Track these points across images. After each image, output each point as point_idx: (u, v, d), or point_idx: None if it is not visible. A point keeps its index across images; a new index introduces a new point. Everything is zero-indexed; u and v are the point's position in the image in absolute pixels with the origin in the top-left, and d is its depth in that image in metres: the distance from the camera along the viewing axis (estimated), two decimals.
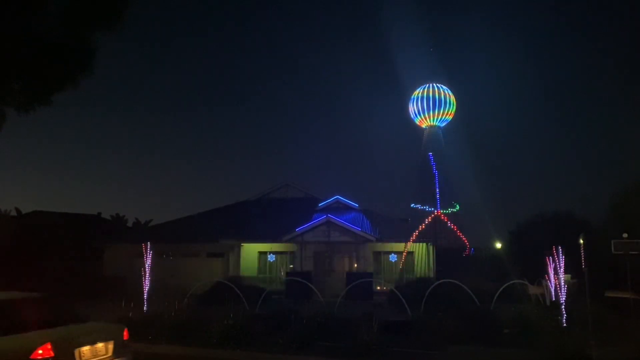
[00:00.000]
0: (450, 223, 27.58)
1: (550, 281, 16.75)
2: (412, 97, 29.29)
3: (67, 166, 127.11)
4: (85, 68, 11.97)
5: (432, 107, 28.23)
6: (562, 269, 14.81)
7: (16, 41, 10.91)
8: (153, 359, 11.95)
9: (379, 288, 23.71)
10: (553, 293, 16.59)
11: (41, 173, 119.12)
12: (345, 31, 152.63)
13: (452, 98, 28.71)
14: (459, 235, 27.43)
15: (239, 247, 28.81)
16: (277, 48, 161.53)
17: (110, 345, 7.92)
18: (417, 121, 29.55)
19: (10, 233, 25.09)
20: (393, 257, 27.55)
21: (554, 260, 15.44)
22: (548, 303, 17.24)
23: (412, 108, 29.14)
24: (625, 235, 17.05)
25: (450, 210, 27.91)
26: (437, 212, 27.60)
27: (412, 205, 28.41)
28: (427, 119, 28.81)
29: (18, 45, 10.95)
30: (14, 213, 37.86)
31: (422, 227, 26.85)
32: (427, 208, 27.64)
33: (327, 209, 30.34)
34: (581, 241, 12.31)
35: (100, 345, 7.72)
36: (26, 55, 11.13)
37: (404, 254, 27.65)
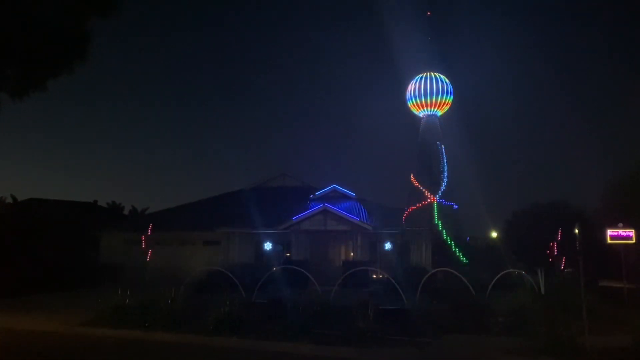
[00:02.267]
0: (445, 212, 27.65)
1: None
2: (410, 86, 29.20)
3: (63, 154, 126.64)
4: (80, 54, 11.87)
5: (429, 96, 28.17)
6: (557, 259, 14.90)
7: (10, 27, 10.78)
8: (149, 346, 12.01)
9: (374, 276, 23.77)
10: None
11: (37, 161, 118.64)
12: (342, 19, 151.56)
13: (450, 87, 28.66)
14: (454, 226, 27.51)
15: (235, 235, 28.82)
16: (274, 36, 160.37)
17: None
18: (415, 111, 29.49)
19: (6, 220, 25.00)
20: (389, 246, 27.61)
21: (549, 249, 15.53)
22: (543, 291, 17.34)
23: (410, 97, 29.07)
24: (620, 224, 17.19)
25: (445, 198, 27.95)
26: (433, 199, 27.64)
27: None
28: (425, 108, 28.74)
29: (12, 31, 10.83)
30: (9, 200, 37.73)
31: (418, 205, 26.85)
32: (424, 197, 27.67)
33: (323, 198, 30.31)
34: (576, 231, 12.34)
35: None
36: (20, 41, 11.02)
37: (400, 242, 27.72)
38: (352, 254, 26.82)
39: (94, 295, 20.14)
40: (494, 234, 39.44)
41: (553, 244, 14.95)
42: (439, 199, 27.77)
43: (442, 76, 28.86)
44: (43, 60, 11.35)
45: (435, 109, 28.72)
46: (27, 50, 11.16)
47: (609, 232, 17.03)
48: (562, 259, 14.98)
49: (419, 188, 27.87)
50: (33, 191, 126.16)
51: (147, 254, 16.25)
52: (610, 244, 17.19)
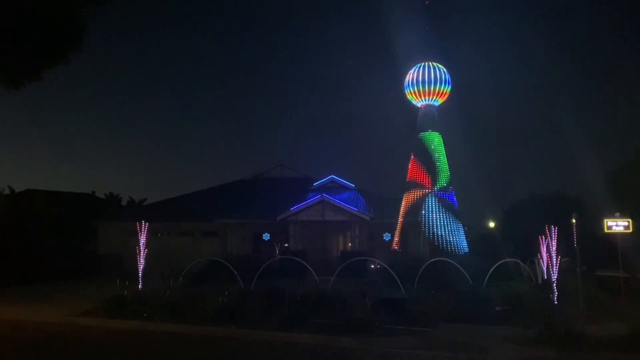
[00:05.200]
0: (443, 203, 27.67)
1: (542, 260, 16.92)
2: (408, 76, 29.09)
3: (61, 145, 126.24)
4: (75, 43, 11.78)
5: (427, 86, 28.07)
6: (554, 248, 14.97)
7: (4, 16, 10.68)
8: (148, 336, 12.04)
9: (372, 266, 23.83)
10: (545, 271, 16.77)
11: (34, 152, 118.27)
12: (341, 9, 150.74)
13: (448, 77, 28.54)
14: (452, 216, 27.53)
15: (234, 226, 28.84)
16: (272, 25, 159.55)
17: None
18: (413, 100, 29.40)
19: (4, 212, 24.95)
20: (387, 236, 27.65)
21: (546, 239, 15.60)
22: (540, 281, 17.44)
23: (408, 86, 28.96)
24: (617, 214, 17.24)
25: (443, 189, 27.95)
26: (431, 191, 27.66)
27: (407, 180, 28.40)
28: (423, 98, 28.66)
29: (6, 20, 10.73)
30: (7, 192, 37.58)
31: (413, 201, 26.96)
32: (422, 187, 27.67)
33: (321, 189, 30.29)
34: (573, 221, 12.38)
35: None
36: (15, 31, 10.91)
37: (397, 232, 27.81)
38: (350, 244, 26.87)
39: (92, 285, 20.19)
40: (492, 224, 39.60)
41: (550, 234, 15.06)
42: (437, 190, 27.79)
43: (440, 65, 28.75)
44: (38, 50, 11.26)
45: (434, 98, 28.64)
46: (22, 40, 11.06)
47: (606, 222, 17.09)
48: (559, 248, 15.08)
49: (416, 179, 27.90)
50: (30, 182, 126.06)
51: (145, 244, 16.22)
52: (607, 233, 17.26)
